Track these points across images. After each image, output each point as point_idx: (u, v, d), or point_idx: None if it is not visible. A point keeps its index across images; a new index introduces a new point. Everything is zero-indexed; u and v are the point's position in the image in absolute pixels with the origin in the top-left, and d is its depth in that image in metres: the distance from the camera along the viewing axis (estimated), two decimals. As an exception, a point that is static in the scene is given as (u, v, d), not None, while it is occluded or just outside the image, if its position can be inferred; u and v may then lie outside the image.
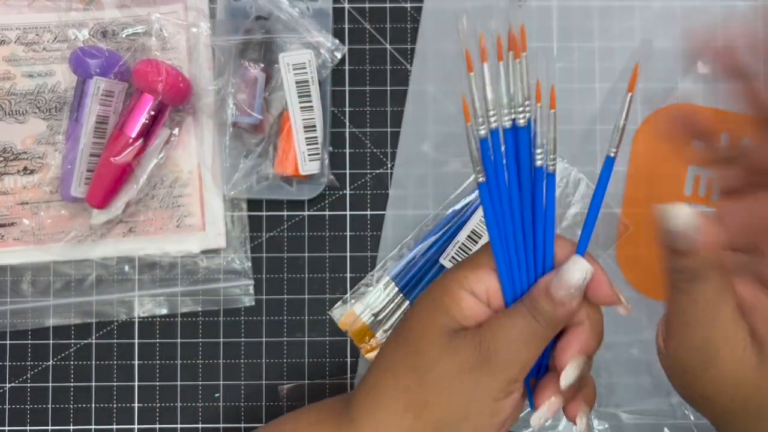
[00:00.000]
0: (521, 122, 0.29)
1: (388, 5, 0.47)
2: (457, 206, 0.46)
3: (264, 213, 0.47)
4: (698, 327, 0.28)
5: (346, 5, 0.47)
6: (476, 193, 0.46)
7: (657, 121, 0.46)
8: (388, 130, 0.47)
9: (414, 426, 0.31)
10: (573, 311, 0.30)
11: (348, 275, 0.46)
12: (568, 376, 0.31)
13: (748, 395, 0.28)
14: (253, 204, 0.47)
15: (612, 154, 0.30)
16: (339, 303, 0.46)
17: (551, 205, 0.31)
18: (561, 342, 0.32)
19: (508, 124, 0.29)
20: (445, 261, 0.45)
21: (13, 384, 0.46)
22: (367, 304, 0.46)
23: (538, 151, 0.30)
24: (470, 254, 0.35)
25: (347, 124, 0.47)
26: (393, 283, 0.46)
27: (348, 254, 0.46)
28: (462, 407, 0.31)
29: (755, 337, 0.28)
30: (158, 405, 0.46)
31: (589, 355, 0.32)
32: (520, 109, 0.29)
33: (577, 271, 0.30)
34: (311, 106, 0.44)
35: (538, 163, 0.30)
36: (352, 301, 0.46)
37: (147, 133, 0.44)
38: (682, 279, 0.28)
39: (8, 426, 0.46)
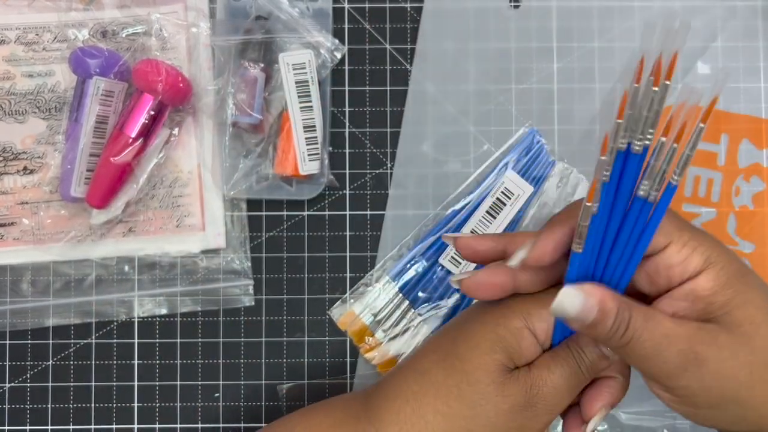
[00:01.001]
0: (636, 148, 0.26)
1: (388, 5, 0.47)
2: (457, 206, 0.46)
3: (264, 213, 0.47)
4: (661, 353, 0.28)
5: (346, 5, 0.47)
6: (476, 193, 0.46)
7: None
8: (388, 130, 0.47)
9: None
10: (611, 364, 0.32)
11: (348, 275, 0.46)
12: (594, 424, 0.32)
13: (736, 370, 0.28)
14: (253, 204, 0.47)
15: (674, 182, 0.27)
16: (338, 303, 0.46)
17: (645, 240, 0.28)
18: (592, 391, 0.33)
19: (622, 148, 0.27)
20: (445, 261, 0.45)
21: (12, 384, 0.46)
22: (366, 304, 0.46)
23: (645, 182, 0.27)
24: None
25: (347, 124, 0.47)
26: (392, 283, 0.46)
27: (348, 254, 0.46)
28: None
29: (729, 315, 0.28)
30: (158, 405, 0.46)
31: (614, 406, 0.33)
32: (641, 136, 0.26)
33: None
34: (311, 106, 0.44)
35: (641, 193, 0.27)
36: (351, 300, 0.46)
37: (147, 133, 0.44)
38: (615, 342, 0.29)
39: (8, 426, 0.46)
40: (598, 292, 0.28)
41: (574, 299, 0.28)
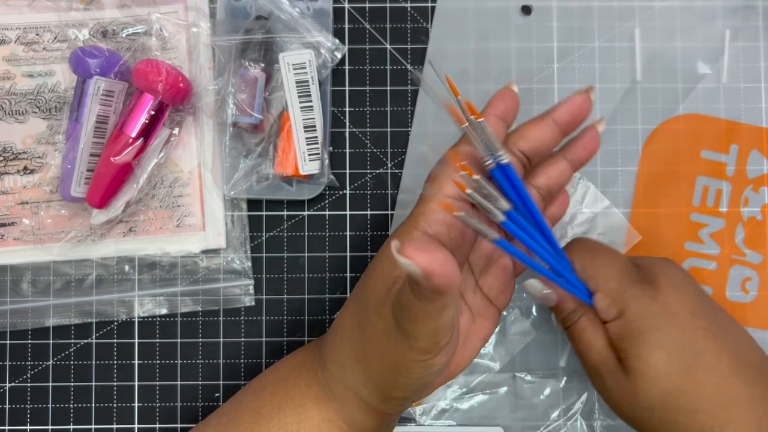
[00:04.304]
0: (504, 162, 0.33)
1: (388, 5, 0.47)
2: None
3: (264, 213, 0.47)
4: (584, 355, 0.36)
5: (346, 5, 0.47)
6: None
7: (670, 129, 0.46)
8: (388, 130, 0.47)
9: (364, 377, 0.33)
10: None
11: (348, 275, 0.46)
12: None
13: (624, 404, 0.35)
14: (253, 204, 0.47)
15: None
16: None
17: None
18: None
19: (492, 166, 0.33)
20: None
21: (13, 384, 0.46)
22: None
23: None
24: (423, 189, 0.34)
25: (347, 124, 0.47)
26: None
27: (348, 254, 0.46)
28: (392, 364, 0.31)
29: (625, 362, 0.34)
30: (158, 405, 0.46)
31: None
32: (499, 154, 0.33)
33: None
34: (311, 106, 0.44)
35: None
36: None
37: (147, 132, 0.44)
38: (564, 325, 0.37)
39: (8, 426, 0.46)
40: (561, 292, 0.36)
41: (536, 288, 0.37)
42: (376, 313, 0.31)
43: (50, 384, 0.46)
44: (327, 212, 0.47)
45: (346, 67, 0.47)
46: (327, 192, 0.47)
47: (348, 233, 0.46)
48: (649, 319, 0.34)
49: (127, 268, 0.46)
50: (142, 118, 0.43)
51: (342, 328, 0.34)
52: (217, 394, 0.46)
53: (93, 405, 0.46)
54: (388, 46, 0.47)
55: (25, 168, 0.46)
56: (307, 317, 0.46)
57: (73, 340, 0.46)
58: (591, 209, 0.46)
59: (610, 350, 0.35)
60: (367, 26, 0.47)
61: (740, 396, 0.33)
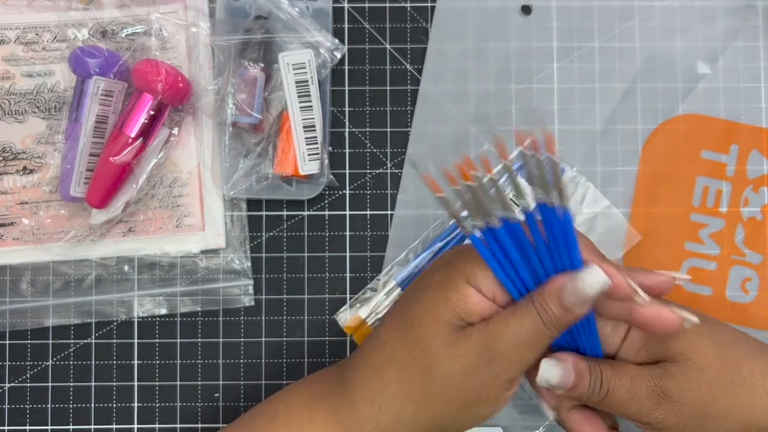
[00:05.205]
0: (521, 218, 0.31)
1: (387, 5, 0.47)
2: (465, 211, 0.46)
3: (263, 213, 0.47)
4: (635, 395, 0.32)
5: (346, 5, 0.47)
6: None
7: (670, 129, 0.46)
8: (388, 130, 0.47)
9: (413, 417, 0.32)
10: (581, 317, 0.31)
11: (347, 275, 0.46)
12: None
13: (694, 401, 0.32)
14: (253, 204, 0.47)
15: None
16: (345, 306, 0.46)
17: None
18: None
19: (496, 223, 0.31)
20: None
21: (12, 384, 0.46)
22: (373, 309, 0.46)
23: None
24: None
25: (347, 124, 0.47)
26: (399, 289, 0.45)
27: (347, 254, 0.46)
28: (463, 402, 0.32)
29: (667, 352, 0.32)
30: (158, 405, 0.46)
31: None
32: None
33: (596, 283, 0.29)
34: (311, 106, 0.44)
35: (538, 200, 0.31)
36: (358, 305, 0.46)
37: (146, 132, 0.44)
38: (597, 398, 0.32)
39: (8, 426, 0.46)
40: (569, 357, 0.32)
41: (553, 369, 0.32)
42: (446, 355, 0.31)
43: (50, 384, 0.46)
44: (327, 212, 0.47)
45: (346, 67, 0.47)
46: (327, 192, 0.46)
47: (348, 233, 0.46)
48: None
49: (126, 268, 0.46)
50: (141, 118, 0.43)
51: (383, 369, 0.33)
52: (216, 394, 0.46)
53: (92, 405, 0.46)
54: (388, 46, 0.47)
55: (25, 168, 0.46)
56: (306, 317, 0.46)
57: (72, 340, 0.46)
58: (591, 209, 0.46)
59: (647, 367, 0.32)
60: (367, 26, 0.47)
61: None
